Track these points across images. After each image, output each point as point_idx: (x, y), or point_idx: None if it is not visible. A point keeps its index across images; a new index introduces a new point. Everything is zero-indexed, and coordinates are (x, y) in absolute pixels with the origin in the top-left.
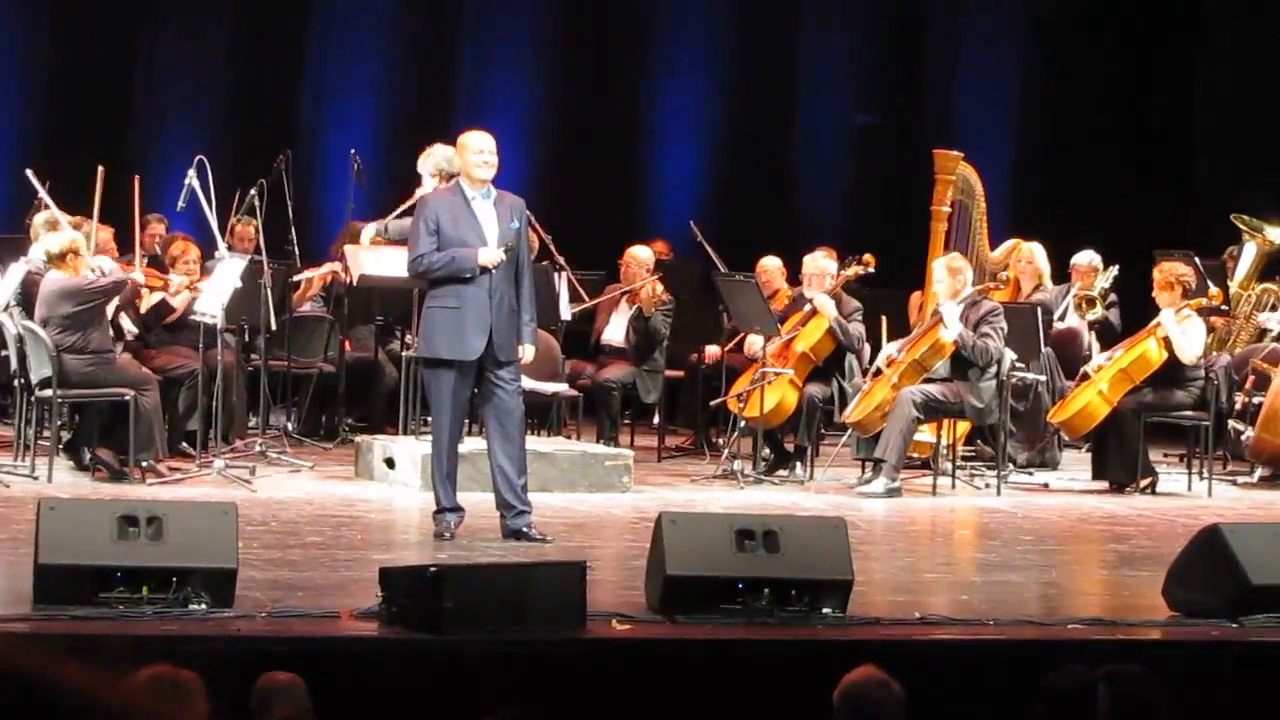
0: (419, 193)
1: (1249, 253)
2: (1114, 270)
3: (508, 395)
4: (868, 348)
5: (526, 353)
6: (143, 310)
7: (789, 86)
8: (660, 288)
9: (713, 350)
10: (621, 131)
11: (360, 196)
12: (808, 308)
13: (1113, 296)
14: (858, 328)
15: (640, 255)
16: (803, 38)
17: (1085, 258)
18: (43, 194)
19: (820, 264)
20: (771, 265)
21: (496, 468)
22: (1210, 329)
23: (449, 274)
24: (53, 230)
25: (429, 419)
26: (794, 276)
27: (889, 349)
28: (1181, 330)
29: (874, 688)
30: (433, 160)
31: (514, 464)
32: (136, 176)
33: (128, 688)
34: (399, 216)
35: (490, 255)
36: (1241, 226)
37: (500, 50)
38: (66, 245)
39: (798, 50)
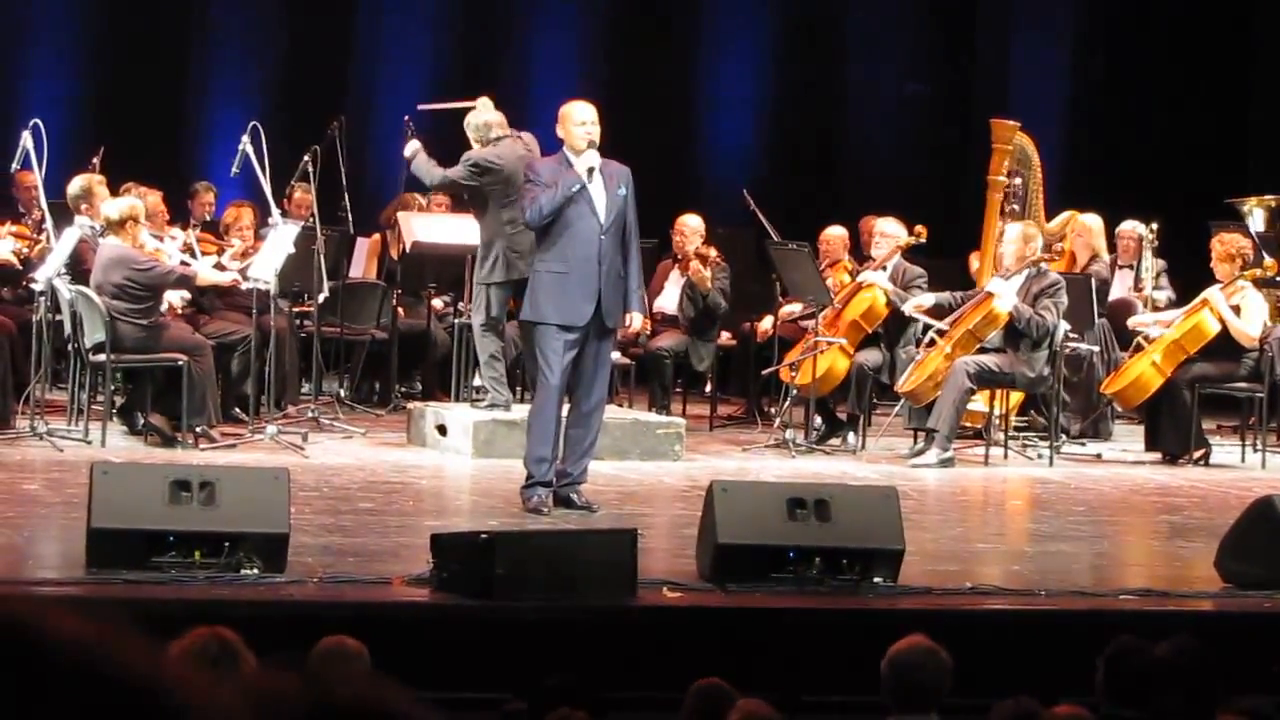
0: (469, 154)
1: None
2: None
3: (602, 362)
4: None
5: (634, 321)
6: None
7: (839, 55)
8: (713, 254)
9: (764, 327)
10: (672, 100)
11: None
12: (859, 278)
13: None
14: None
15: (691, 224)
16: (853, 5)
17: (1129, 226)
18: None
19: (891, 227)
20: (835, 235)
21: (572, 434)
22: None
23: (559, 201)
24: (86, 198)
25: (479, 386)
26: (855, 249)
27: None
28: (1240, 310)
29: (922, 656)
30: (472, 126)
31: (590, 434)
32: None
33: (168, 658)
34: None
35: (587, 161)
36: None
37: (551, 18)
38: (127, 212)
39: (848, 18)
